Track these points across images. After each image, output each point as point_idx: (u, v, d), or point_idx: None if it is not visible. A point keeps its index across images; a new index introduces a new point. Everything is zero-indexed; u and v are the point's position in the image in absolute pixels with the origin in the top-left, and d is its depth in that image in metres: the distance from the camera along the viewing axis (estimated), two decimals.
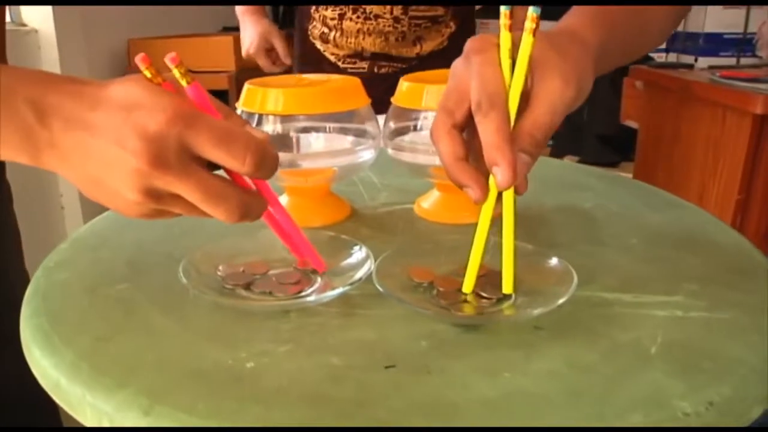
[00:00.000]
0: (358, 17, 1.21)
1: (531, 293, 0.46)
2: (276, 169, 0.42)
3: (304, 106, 0.58)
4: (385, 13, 1.19)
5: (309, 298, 0.46)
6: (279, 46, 1.35)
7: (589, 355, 0.39)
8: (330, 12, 1.23)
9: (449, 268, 0.49)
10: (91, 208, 2.18)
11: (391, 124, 0.62)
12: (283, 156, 0.59)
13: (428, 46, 1.25)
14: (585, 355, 0.39)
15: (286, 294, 0.47)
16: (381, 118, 1.46)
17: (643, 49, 0.61)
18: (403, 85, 0.61)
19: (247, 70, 1.99)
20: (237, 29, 1.44)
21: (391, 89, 1.37)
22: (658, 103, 1.73)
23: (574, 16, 0.52)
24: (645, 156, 1.84)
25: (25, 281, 0.89)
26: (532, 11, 0.42)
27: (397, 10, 1.19)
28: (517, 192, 0.44)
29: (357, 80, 0.62)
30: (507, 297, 0.46)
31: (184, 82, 0.42)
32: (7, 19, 1.00)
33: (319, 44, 1.30)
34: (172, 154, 0.38)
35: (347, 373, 0.38)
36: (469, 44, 0.45)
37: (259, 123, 0.60)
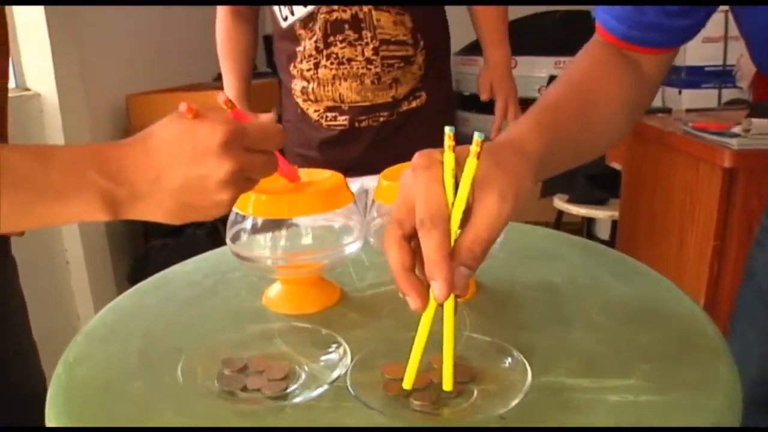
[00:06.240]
0: (331, 63, 1.29)
1: (491, 387, 0.52)
2: (282, 137, 0.56)
3: (292, 209, 0.64)
4: (357, 56, 1.27)
5: (296, 399, 0.52)
6: None
7: None
8: (305, 64, 1.32)
9: (424, 360, 0.55)
10: (96, 263, 2.24)
11: (374, 216, 0.68)
12: (276, 254, 0.66)
13: (403, 89, 1.33)
14: None
15: (273, 392, 0.53)
16: (366, 179, 1.51)
17: (595, 148, 0.66)
18: (383, 183, 0.67)
19: None
20: None
21: (372, 145, 1.47)
22: (638, 148, 1.79)
23: (520, 123, 0.56)
24: (629, 197, 1.90)
25: (34, 350, 0.93)
26: (476, 137, 0.46)
27: (368, 51, 1.27)
28: (457, 297, 0.48)
29: (341, 177, 0.68)
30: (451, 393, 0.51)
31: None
32: (12, 84, 1.05)
33: (301, 102, 1.38)
34: (240, 131, 0.52)
35: None
36: (416, 159, 0.49)
37: (254, 222, 0.66)
